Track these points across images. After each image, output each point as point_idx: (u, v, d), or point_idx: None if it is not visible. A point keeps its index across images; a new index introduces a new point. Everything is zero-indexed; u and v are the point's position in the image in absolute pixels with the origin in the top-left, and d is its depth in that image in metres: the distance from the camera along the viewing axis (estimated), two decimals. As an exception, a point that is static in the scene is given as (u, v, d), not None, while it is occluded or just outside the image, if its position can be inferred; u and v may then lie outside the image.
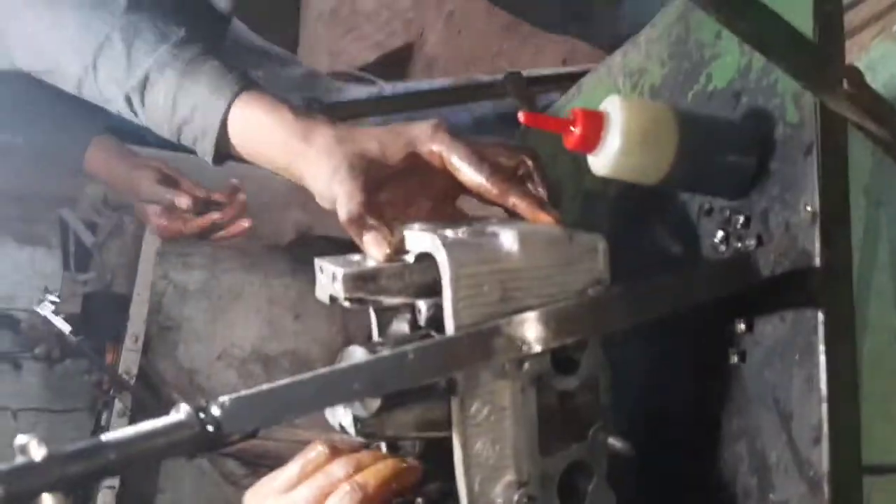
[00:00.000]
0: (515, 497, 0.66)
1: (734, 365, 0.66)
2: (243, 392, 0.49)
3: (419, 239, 0.68)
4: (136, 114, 0.91)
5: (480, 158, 0.75)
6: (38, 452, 0.44)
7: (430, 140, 0.77)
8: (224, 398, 0.50)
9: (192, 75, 0.86)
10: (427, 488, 0.69)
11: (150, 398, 2.24)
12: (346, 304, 0.66)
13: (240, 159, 0.88)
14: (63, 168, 1.82)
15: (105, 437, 0.47)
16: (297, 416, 0.48)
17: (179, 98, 0.86)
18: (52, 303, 2.21)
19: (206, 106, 0.85)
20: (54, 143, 1.72)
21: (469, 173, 0.75)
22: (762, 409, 0.62)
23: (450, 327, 0.65)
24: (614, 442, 0.69)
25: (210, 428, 0.50)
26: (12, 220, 2.37)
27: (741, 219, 0.67)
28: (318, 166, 0.78)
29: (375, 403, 0.62)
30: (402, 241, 0.69)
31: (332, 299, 0.67)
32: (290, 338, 2.26)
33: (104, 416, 2.27)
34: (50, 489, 0.43)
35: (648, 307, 0.52)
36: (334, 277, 0.66)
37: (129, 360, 2.23)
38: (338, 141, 0.78)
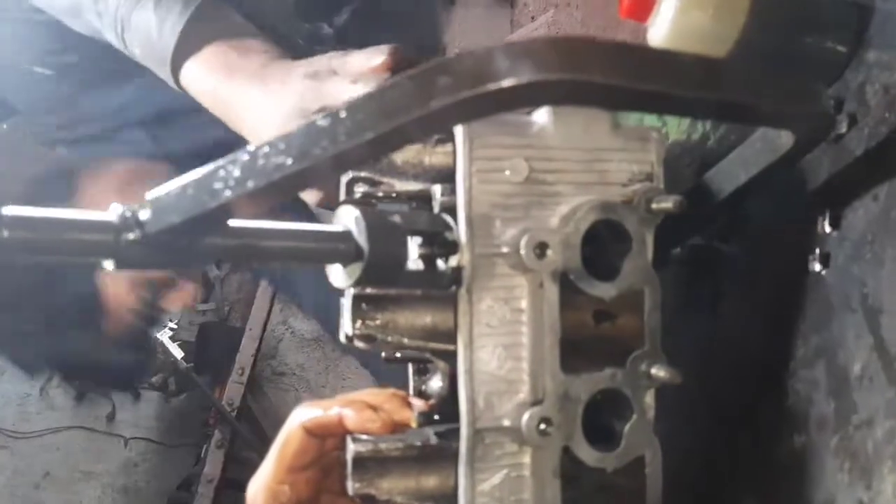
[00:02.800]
0: (526, 416, 0.54)
1: (815, 274, 0.52)
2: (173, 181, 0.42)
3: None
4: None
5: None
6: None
7: None
8: (152, 193, 0.43)
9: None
10: None
11: (250, 434, 2.22)
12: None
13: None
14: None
15: (6, 210, 0.41)
16: (230, 200, 0.40)
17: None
18: (171, 329, 2.26)
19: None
20: None
21: None
22: (846, 315, 0.48)
23: (461, 209, 0.55)
24: (660, 372, 0.55)
25: (132, 233, 0.42)
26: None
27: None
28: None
29: (357, 269, 0.52)
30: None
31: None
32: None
33: (204, 448, 2.26)
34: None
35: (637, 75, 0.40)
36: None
37: (233, 392, 2.23)
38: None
